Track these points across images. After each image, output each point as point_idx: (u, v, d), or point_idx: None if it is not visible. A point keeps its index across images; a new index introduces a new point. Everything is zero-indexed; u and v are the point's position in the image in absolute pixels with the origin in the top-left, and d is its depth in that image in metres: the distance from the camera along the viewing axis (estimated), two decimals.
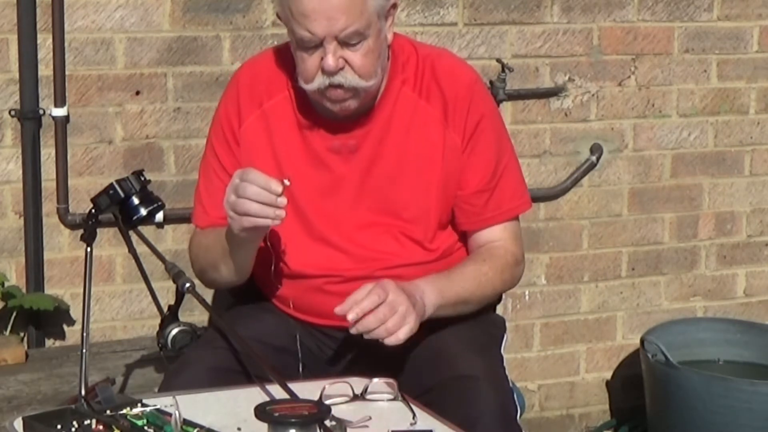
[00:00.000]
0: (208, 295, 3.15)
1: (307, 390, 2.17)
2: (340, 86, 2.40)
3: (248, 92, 2.56)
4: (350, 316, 2.24)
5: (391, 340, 2.28)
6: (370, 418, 2.13)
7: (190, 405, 2.08)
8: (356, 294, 2.27)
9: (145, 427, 2.04)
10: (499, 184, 2.57)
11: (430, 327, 2.50)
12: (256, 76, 2.59)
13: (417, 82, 2.53)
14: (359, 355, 2.52)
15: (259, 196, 2.27)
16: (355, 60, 2.39)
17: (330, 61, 2.37)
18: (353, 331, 2.26)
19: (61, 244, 3.50)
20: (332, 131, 2.51)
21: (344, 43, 2.38)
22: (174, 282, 2.50)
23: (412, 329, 2.30)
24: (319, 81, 2.41)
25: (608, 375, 4.18)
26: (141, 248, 2.61)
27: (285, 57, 2.53)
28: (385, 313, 2.26)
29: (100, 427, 2.05)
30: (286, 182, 2.28)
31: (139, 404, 2.12)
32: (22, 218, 3.46)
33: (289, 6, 2.38)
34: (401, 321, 2.28)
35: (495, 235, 2.59)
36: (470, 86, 2.55)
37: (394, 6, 2.48)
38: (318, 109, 2.50)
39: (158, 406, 2.10)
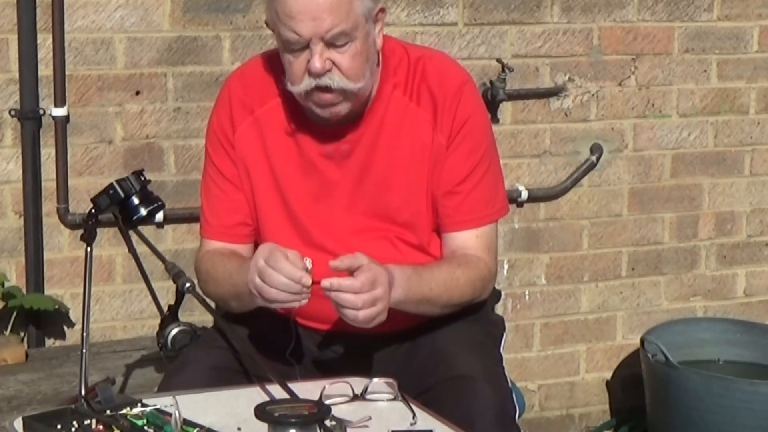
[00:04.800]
0: None
1: (307, 390, 2.18)
2: (327, 88, 2.38)
3: (240, 100, 2.55)
4: (324, 283, 2.21)
5: (349, 322, 2.25)
6: (370, 418, 2.13)
7: (190, 405, 2.08)
8: (352, 260, 2.25)
9: (145, 427, 2.04)
10: (475, 189, 2.53)
11: (429, 327, 2.51)
12: (246, 83, 2.57)
13: (408, 85, 2.52)
14: (360, 357, 2.52)
15: (288, 288, 2.24)
16: (343, 62, 2.37)
17: (316, 62, 2.35)
18: (325, 287, 2.22)
19: (61, 244, 3.50)
20: (325, 137, 2.50)
21: (331, 44, 2.36)
22: (174, 282, 2.50)
23: (373, 325, 2.28)
24: (306, 83, 2.39)
25: (608, 375, 4.18)
26: (141, 248, 2.61)
27: (275, 63, 2.51)
28: (365, 302, 2.23)
29: (100, 427, 2.05)
30: (309, 265, 2.24)
31: (139, 404, 2.12)
32: (22, 218, 3.46)
33: (275, 8, 2.37)
34: (371, 317, 2.25)
35: (467, 242, 2.54)
36: (460, 88, 2.52)
37: (383, 11, 2.46)
38: (310, 115, 2.49)
39: (158, 406, 2.11)
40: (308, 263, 2.24)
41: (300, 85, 2.40)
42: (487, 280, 2.56)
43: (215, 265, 2.53)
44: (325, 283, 2.22)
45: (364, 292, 2.23)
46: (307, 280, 2.22)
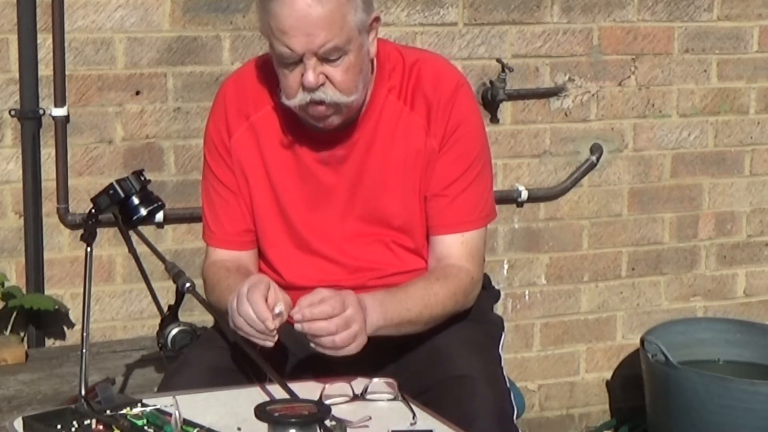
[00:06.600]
0: None
1: (307, 390, 2.18)
2: (321, 102, 2.38)
3: (235, 105, 2.55)
4: (296, 316, 2.21)
5: (332, 353, 2.23)
6: (370, 418, 2.13)
7: (190, 405, 2.09)
8: (311, 297, 2.23)
9: (145, 427, 2.04)
10: (462, 194, 2.52)
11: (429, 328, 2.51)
12: (241, 89, 2.57)
13: (403, 90, 2.51)
14: (359, 357, 2.52)
15: (252, 323, 2.24)
16: (336, 76, 2.37)
17: (310, 78, 2.35)
18: (298, 327, 2.21)
19: (61, 244, 3.50)
20: (320, 142, 2.50)
21: (324, 59, 2.36)
22: (174, 282, 2.50)
23: (357, 348, 2.25)
24: (301, 97, 2.39)
25: (608, 375, 4.18)
26: (141, 248, 2.61)
27: (270, 69, 2.51)
28: (338, 325, 2.21)
29: (100, 427, 2.05)
30: (277, 309, 2.24)
31: (139, 404, 2.12)
32: (22, 218, 3.46)
33: (269, 22, 2.37)
34: (350, 339, 2.23)
35: (451, 249, 2.52)
36: (454, 92, 2.51)
37: (377, 20, 2.46)
38: (304, 122, 2.49)
39: (158, 406, 2.11)
40: (278, 308, 2.24)
41: (294, 99, 2.40)
42: (469, 290, 2.54)
43: (220, 280, 2.54)
44: (297, 316, 2.21)
45: (335, 316, 2.21)
46: (270, 324, 2.22)
